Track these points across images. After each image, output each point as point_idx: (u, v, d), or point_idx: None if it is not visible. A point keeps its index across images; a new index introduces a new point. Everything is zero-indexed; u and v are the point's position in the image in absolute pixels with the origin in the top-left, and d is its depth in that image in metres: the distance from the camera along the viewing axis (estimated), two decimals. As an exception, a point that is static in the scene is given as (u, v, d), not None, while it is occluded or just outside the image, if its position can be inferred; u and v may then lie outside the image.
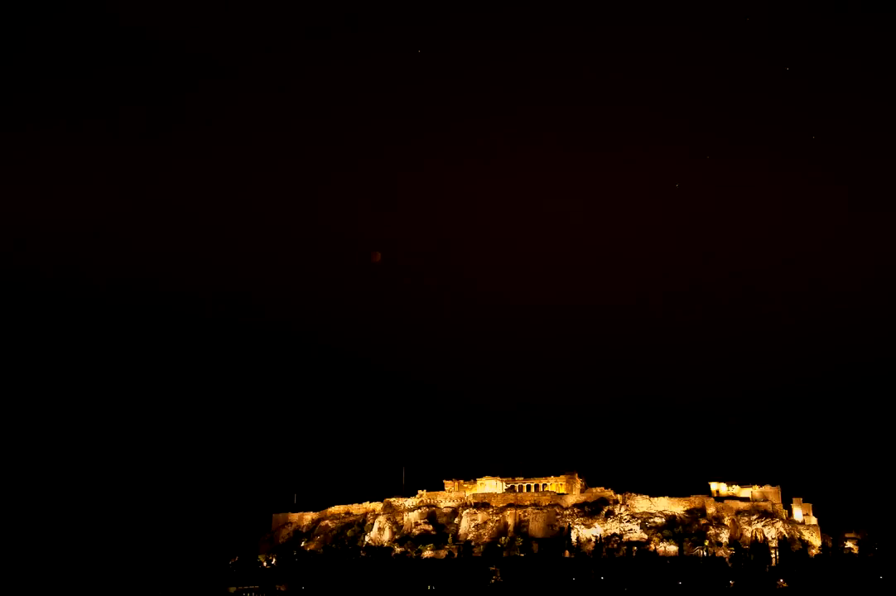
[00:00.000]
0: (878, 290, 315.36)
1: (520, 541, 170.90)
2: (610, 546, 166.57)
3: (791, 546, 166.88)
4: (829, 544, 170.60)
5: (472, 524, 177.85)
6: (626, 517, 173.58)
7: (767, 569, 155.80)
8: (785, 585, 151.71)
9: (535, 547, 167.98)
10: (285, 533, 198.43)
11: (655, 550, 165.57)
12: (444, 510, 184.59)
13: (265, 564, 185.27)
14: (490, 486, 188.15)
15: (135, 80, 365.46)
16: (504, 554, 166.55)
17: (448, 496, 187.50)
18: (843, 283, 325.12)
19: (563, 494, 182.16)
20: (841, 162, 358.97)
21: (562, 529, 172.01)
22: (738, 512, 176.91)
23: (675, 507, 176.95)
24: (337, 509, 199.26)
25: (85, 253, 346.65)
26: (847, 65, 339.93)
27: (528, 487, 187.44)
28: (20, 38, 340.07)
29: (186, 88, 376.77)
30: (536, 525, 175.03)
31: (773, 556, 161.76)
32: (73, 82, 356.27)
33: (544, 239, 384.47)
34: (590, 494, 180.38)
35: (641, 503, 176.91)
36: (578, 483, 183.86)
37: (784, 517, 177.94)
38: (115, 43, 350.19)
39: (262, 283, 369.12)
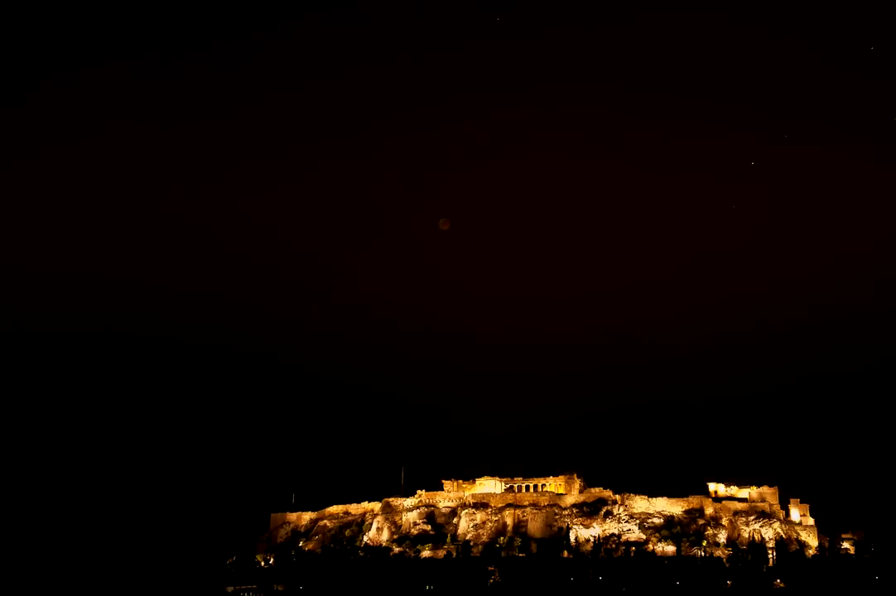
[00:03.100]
0: (878, 292, 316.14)
1: (518, 541, 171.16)
2: (608, 546, 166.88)
3: (788, 547, 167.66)
4: (826, 545, 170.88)
5: (471, 524, 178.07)
6: (624, 518, 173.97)
7: (764, 569, 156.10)
8: (782, 585, 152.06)
9: (534, 547, 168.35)
10: (283, 533, 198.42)
11: (653, 550, 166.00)
12: (443, 510, 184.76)
13: (263, 563, 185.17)
14: (489, 486, 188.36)
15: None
16: (503, 554, 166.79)
17: (447, 496, 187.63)
18: (842, 284, 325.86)
19: (561, 494, 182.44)
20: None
21: (560, 529, 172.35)
22: (736, 512, 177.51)
23: (673, 507, 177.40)
24: (335, 509, 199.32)
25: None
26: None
27: (527, 488, 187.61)
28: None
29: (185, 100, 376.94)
30: (535, 525, 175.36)
31: (770, 556, 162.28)
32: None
33: (538, 249, 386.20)
34: (588, 495, 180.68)
35: (640, 504, 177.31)
36: (577, 483, 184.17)
37: (781, 518, 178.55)
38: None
39: (263, 288, 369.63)
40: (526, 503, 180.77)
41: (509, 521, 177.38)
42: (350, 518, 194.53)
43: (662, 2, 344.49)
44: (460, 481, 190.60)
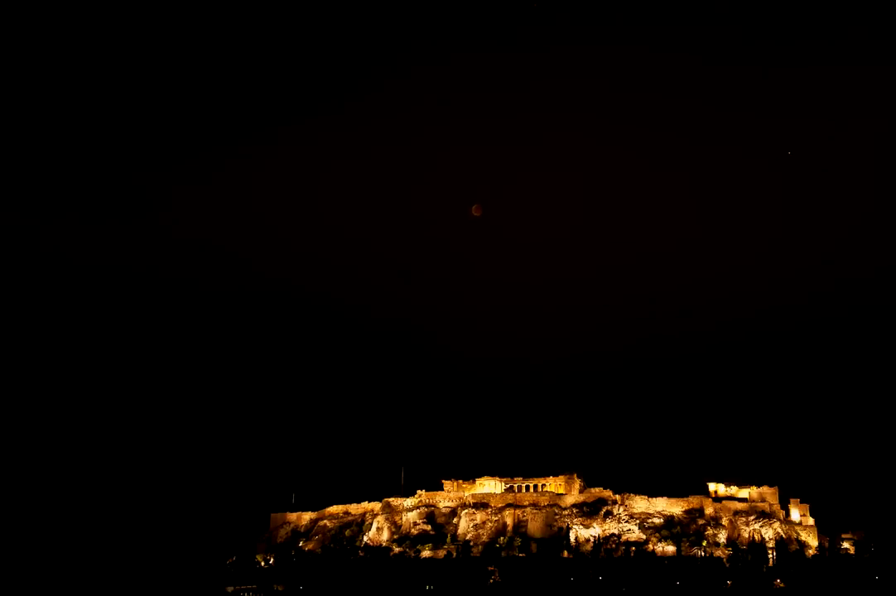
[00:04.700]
0: (878, 292, 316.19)
1: (518, 541, 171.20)
2: (608, 546, 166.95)
3: (788, 546, 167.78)
4: (826, 545, 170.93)
5: (471, 524, 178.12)
6: (624, 517, 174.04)
7: (764, 569, 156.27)
8: (782, 585, 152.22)
9: (534, 547, 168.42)
10: (283, 533, 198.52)
11: (653, 550, 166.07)
12: (443, 510, 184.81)
13: (263, 563, 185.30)
14: (489, 486, 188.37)
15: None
16: (503, 554, 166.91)
17: (447, 496, 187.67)
18: (842, 284, 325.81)
19: (561, 494, 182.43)
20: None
21: (560, 529, 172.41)
22: (736, 512, 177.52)
23: (673, 507, 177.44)
24: (335, 509, 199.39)
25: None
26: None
27: (527, 488, 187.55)
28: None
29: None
30: (535, 525, 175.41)
31: (770, 556, 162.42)
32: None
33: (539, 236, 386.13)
34: (588, 495, 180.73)
35: (640, 504, 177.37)
36: (577, 483, 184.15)
37: (781, 518, 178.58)
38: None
39: (260, 288, 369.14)
40: (526, 503, 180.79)
41: (509, 521, 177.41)
42: (350, 518, 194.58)
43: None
44: (460, 481, 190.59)
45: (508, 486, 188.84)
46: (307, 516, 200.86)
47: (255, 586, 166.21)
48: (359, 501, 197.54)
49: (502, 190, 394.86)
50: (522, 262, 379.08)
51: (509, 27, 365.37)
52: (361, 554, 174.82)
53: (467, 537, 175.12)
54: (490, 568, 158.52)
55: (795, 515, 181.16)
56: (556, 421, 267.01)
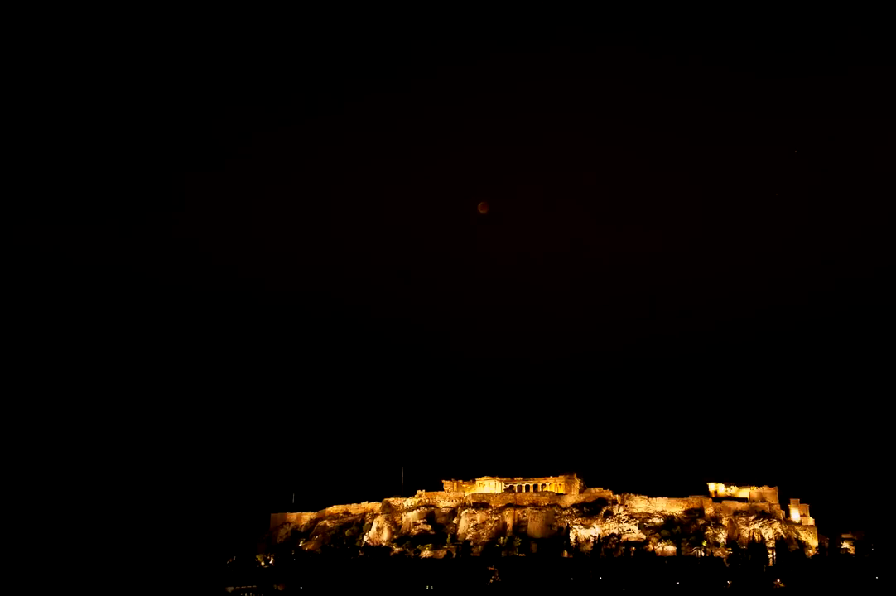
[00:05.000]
0: (878, 292, 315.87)
1: (518, 541, 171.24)
2: (608, 546, 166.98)
3: (788, 547, 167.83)
4: (826, 545, 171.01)
5: (471, 524, 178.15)
6: (624, 518, 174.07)
7: (765, 569, 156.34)
8: (782, 585, 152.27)
9: (534, 547, 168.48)
10: (283, 533, 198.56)
11: (653, 550, 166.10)
12: (443, 510, 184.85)
13: (263, 563, 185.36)
14: (489, 486, 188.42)
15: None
16: (503, 554, 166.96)
17: (447, 496, 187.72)
18: (841, 284, 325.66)
19: (561, 494, 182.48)
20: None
21: (560, 529, 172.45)
22: (736, 512, 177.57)
23: (673, 507, 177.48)
24: (335, 509, 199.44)
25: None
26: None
27: (527, 488, 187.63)
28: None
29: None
30: (535, 525, 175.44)
31: (770, 556, 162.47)
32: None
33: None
34: (588, 495, 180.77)
35: (640, 504, 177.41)
36: (577, 483, 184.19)
37: (781, 518, 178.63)
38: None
39: (261, 285, 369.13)
40: (526, 503, 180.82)
41: (509, 521, 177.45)
42: (350, 518, 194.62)
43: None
44: (460, 481, 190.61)
45: (508, 486, 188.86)
46: (307, 516, 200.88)
47: (255, 586, 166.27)
48: (359, 501, 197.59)
49: (501, 190, 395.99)
50: (523, 261, 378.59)
51: (510, 27, 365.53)
52: (361, 554, 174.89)
53: (467, 537, 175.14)
54: (490, 568, 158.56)
55: (795, 515, 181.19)
56: (556, 421, 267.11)
